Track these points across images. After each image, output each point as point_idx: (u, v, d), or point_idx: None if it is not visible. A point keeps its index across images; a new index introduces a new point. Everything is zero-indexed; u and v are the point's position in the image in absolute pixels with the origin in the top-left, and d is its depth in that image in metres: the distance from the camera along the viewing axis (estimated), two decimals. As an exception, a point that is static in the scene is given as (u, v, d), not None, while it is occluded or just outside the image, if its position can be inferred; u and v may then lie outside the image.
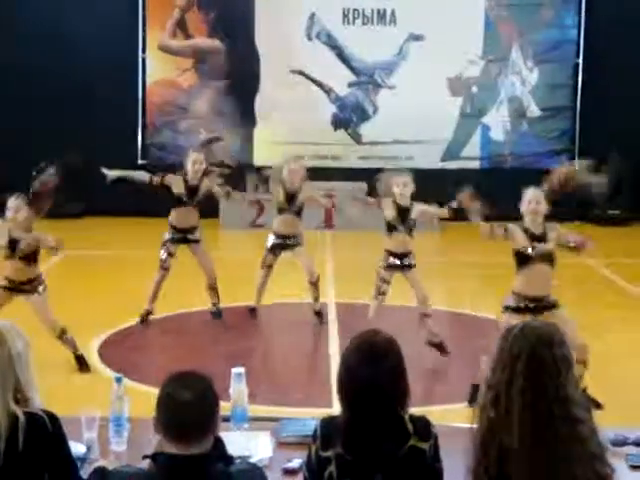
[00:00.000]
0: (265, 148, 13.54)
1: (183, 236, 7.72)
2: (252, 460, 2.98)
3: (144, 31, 13.42)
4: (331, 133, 13.62)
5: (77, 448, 3.11)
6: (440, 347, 6.74)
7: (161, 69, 13.59)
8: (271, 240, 7.82)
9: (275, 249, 7.82)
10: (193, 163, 7.59)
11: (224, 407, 3.34)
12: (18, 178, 6.76)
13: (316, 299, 7.79)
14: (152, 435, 2.54)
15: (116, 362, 6.56)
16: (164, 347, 7.46)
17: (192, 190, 7.62)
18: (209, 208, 12.67)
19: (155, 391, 2.53)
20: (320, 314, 7.80)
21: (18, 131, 12.99)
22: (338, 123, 13.71)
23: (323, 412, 3.45)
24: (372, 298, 6.81)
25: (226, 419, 3.44)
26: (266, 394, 5.87)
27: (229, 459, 2.59)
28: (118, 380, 3.40)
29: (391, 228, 6.82)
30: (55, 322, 6.36)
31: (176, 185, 7.62)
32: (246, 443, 3.23)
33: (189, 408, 2.43)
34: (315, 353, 6.99)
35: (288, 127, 13.34)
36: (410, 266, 6.85)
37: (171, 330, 7.76)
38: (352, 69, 13.64)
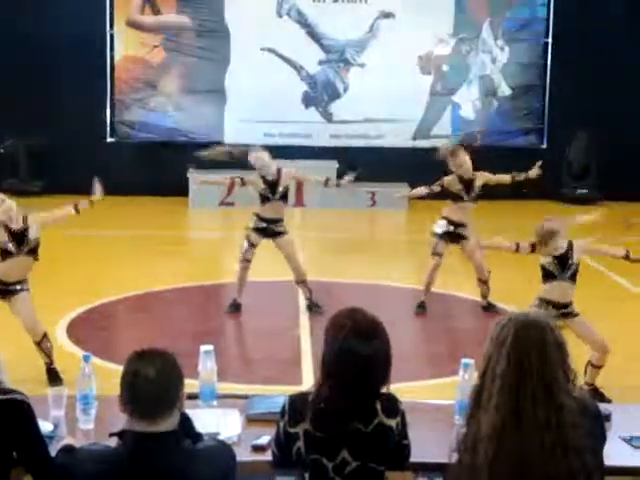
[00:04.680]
0: (235, 126, 13.46)
1: (267, 226, 7.36)
2: (221, 437, 2.98)
3: (112, 6, 13.24)
4: (302, 111, 13.56)
5: (45, 426, 3.09)
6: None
7: (129, 45, 13.43)
8: (443, 227, 7.43)
9: (447, 236, 7.44)
10: (256, 160, 7.32)
11: (193, 385, 3.34)
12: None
13: (484, 296, 7.54)
14: (120, 413, 2.53)
15: (84, 341, 6.52)
16: (133, 326, 7.43)
17: (272, 185, 7.31)
18: (178, 187, 12.66)
19: (123, 369, 2.52)
20: (492, 306, 7.51)
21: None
22: (309, 101, 13.66)
23: (293, 389, 3.46)
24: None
25: (195, 397, 3.43)
26: (235, 372, 5.87)
27: (197, 436, 2.58)
28: (86, 358, 3.37)
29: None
30: (39, 324, 5.81)
31: (256, 184, 7.36)
32: (215, 420, 3.23)
33: (153, 384, 2.42)
34: (285, 331, 6.99)
35: (259, 105, 13.25)
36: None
37: (140, 309, 7.72)
38: (323, 47, 13.57)
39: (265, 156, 7.36)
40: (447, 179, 7.44)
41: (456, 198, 7.45)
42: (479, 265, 7.51)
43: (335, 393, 2.70)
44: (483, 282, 7.55)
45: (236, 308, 7.42)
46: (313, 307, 7.46)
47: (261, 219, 7.40)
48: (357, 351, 2.68)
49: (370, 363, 2.68)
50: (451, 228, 7.43)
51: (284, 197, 7.43)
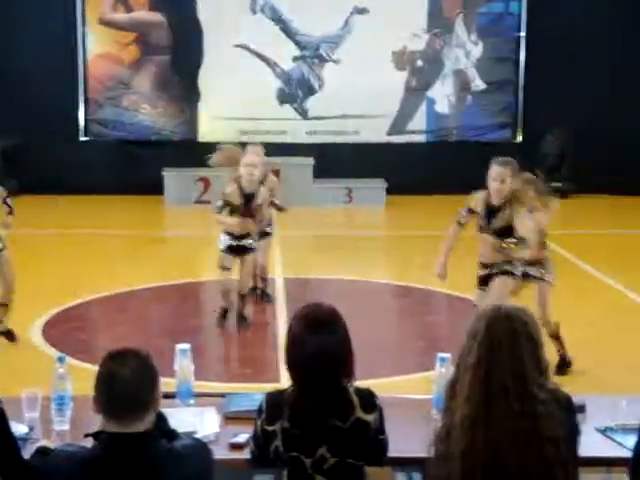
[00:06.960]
0: (210, 123, 13.42)
1: (238, 244, 6.83)
2: (198, 436, 2.96)
3: (83, 4, 13.14)
4: (277, 108, 13.54)
5: (19, 428, 3.06)
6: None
7: (102, 43, 13.34)
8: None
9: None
10: (246, 166, 6.62)
11: (170, 384, 3.32)
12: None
13: None
14: (95, 414, 2.51)
15: (60, 341, 6.47)
16: (109, 326, 7.38)
17: (247, 198, 6.72)
18: (153, 185, 12.60)
19: (99, 369, 2.49)
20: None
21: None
22: (284, 98, 13.63)
23: (271, 387, 3.45)
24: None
25: (172, 395, 3.41)
26: (212, 370, 5.85)
27: (172, 435, 2.57)
28: (60, 359, 3.34)
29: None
30: None
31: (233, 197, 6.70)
32: (192, 419, 3.21)
33: (128, 385, 2.40)
34: (263, 328, 6.98)
35: (233, 102, 13.22)
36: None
37: (116, 309, 7.67)
38: (297, 43, 13.55)
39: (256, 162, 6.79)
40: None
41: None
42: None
43: (300, 388, 2.71)
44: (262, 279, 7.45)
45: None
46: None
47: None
48: (306, 343, 2.70)
49: (322, 355, 2.69)
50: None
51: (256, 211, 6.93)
